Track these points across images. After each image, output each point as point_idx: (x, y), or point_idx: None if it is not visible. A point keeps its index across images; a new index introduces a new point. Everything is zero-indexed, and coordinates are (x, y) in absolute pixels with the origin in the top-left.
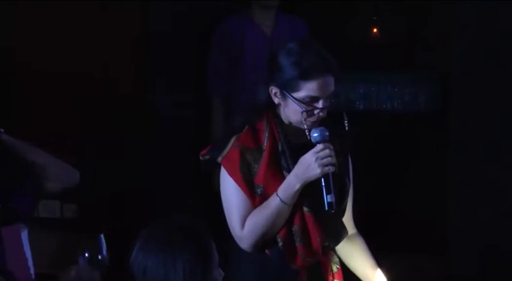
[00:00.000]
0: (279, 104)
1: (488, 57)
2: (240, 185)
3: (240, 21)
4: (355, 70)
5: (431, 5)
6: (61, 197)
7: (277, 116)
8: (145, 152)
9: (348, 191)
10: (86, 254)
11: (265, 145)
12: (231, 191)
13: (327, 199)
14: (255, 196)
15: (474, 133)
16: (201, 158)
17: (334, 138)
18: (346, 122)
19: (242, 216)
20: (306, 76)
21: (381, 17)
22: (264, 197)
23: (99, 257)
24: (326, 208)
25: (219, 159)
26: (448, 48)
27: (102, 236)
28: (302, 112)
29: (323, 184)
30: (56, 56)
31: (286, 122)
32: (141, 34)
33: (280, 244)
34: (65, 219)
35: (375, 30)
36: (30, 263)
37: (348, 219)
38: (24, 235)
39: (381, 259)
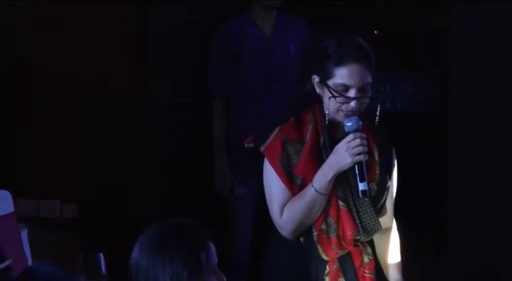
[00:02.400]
0: (320, 94)
1: (487, 57)
2: (279, 175)
3: (240, 22)
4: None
5: (431, 5)
6: (61, 197)
7: (323, 109)
8: (144, 152)
9: (388, 188)
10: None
11: (307, 137)
12: (271, 180)
13: (360, 186)
14: (294, 186)
15: (474, 133)
16: (245, 145)
17: (377, 136)
18: (377, 116)
19: (281, 204)
20: (338, 62)
21: (380, 17)
22: (303, 187)
23: (99, 275)
24: (360, 196)
25: (262, 148)
26: (448, 48)
27: (101, 254)
28: (329, 98)
29: (356, 172)
30: (56, 56)
31: (329, 116)
32: (141, 34)
33: (315, 234)
34: (65, 219)
35: (375, 30)
36: (30, 263)
37: (387, 212)
38: (24, 235)
39: None
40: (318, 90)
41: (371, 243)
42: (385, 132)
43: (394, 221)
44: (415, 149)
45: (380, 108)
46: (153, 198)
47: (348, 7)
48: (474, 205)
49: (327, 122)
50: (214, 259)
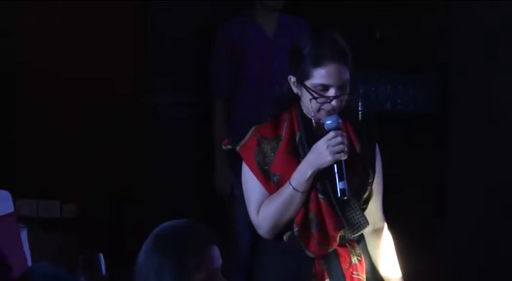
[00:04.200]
0: (297, 94)
1: (488, 57)
2: (254, 173)
3: (242, 22)
4: (356, 70)
5: (431, 5)
6: (61, 197)
7: (299, 107)
8: (144, 152)
9: (371, 183)
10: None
11: (283, 134)
12: (248, 179)
13: (339, 185)
14: (271, 184)
15: (474, 133)
16: (223, 147)
17: (360, 130)
18: (360, 111)
19: (258, 203)
20: (316, 63)
21: (380, 17)
22: (280, 185)
23: (99, 276)
24: (339, 195)
25: (238, 148)
26: (448, 48)
27: (101, 255)
28: (310, 99)
29: (335, 170)
30: (55, 56)
31: (307, 113)
32: (141, 34)
33: (296, 229)
34: (65, 219)
35: (375, 30)
36: (29, 263)
37: (375, 211)
38: (24, 235)
39: None
40: (295, 90)
41: (361, 244)
42: (368, 127)
43: (385, 222)
44: (415, 149)
45: (362, 104)
46: (153, 198)
47: (348, 7)
48: (474, 205)
49: (313, 120)
50: (214, 264)
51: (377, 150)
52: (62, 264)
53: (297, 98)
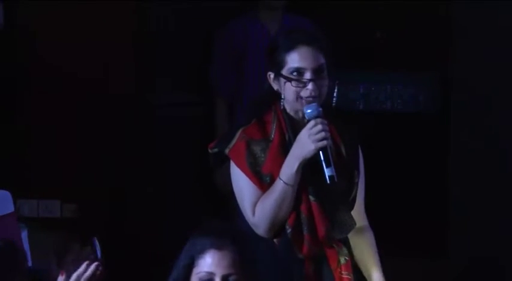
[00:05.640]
0: (278, 91)
1: (488, 57)
2: (247, 175)
3: (244, 21)
4: (355, 70)
5: (431, 5)
6: (61, 197)
7: (284, 107)
8: (144, 152)
9: (357, 183)
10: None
11: (272, 135)
12: (240, 181)
13: (327, 172)
14: (264, 185)
15: (474, 133)
16: (209, 150)
17: (342, 131)
18: (334, 97)
19: (253, 203)
20: (288, 48)
21: (381, 17)
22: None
23: (94, 259)
24: (328, 182)
25: (226, 151)
26: (448, 48)
27: (95, 239)
28: (285, 83)
29: (321, 158)
30: (56, 56)
31: (291, 112)
32: (141, 34)
33: (289, 231)
34: (65, 219)
35: (375, 30)
36: (30, 263)
37: (358, 211)
38: (24, 235)
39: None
40: (275, 87)
41: (347, 244)
42: (350, 128)
43: (366, 220)
44: (415, 149)
45: (337, 91)
46: (153, 198)
47: (348, 7)
48: (474, 206)
49: (287, 109)
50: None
51: (359, 150)
52: (62, 264)
53: (278, 97)
